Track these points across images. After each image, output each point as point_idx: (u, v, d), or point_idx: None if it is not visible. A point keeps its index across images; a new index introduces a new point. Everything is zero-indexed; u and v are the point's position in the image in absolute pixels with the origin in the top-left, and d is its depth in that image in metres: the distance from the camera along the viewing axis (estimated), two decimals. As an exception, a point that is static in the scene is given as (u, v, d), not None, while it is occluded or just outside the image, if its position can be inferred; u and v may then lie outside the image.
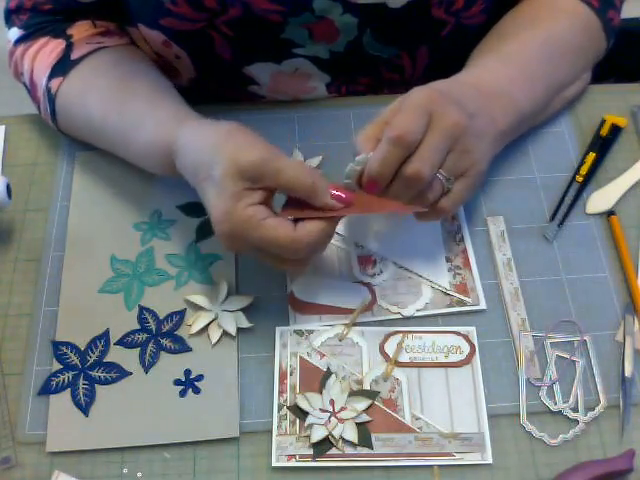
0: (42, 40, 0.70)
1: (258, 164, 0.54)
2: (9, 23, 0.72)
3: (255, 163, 0.54)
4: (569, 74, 0.71)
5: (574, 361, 0.61)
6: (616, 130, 0.72)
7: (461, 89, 0.60)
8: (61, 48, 0.69)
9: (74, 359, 0.61)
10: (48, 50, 0.70)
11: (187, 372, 0.60)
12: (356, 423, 0.57)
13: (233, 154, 0.55)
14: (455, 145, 0.56)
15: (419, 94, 0.57)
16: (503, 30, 0.71)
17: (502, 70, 0.65)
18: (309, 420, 0.57)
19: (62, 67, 0.69)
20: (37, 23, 0.71)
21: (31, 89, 0.72)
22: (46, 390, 0.60)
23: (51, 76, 0.69)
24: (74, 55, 0.69)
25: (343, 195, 0.56)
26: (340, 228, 0.67)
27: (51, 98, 0.69)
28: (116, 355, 0.61)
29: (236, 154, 0.55)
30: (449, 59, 0.71)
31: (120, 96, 0.67)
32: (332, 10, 0.66)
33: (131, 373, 0.61)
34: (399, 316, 0.63)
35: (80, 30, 0.71)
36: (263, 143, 0.56)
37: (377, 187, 0.57)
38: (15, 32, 0.72)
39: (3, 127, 0.76)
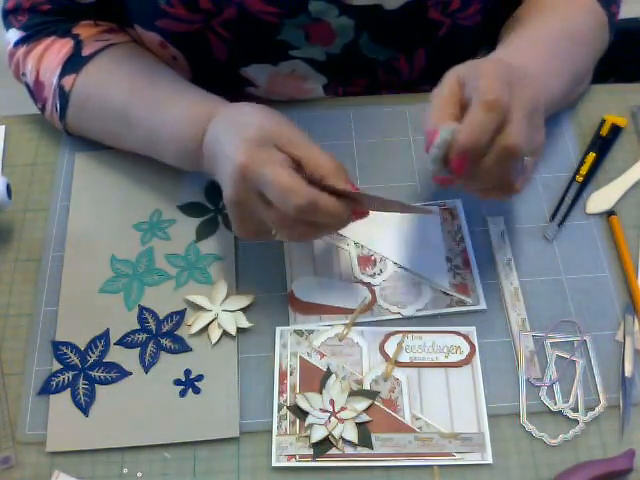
0: (47, 40, 0.70)
1: (295, 132, 0.56)
2: (7, 24, 0.72)
3: (290, 135, 0.56)
4: (585, 65, 0.70)
5: (574, 361, 0.61)
6: (616, 130, 0.72)
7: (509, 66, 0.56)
8: (70, 46, 0.69)
9: (74, 359, 0.61)
10: (55, 49, 0.69)
11: (187, 372, 0.60)
12: (356, 423, 0.57)
13: (272, 122, 0.57)
14: (532, 120, 0.53)
15: (494, 65, 0.53)
16: (526, 16, 0.69)
17: (532, 51, 0.63)
18: (309, 420, 0.57)
19: (74, 64, 0.69)
20: (38, 24, 0.70)
21: (35, 89, 0.72)
22: (46, 390, 0.60)
23: (63, 73, 0.69)
24: (85, 52, 0.69)
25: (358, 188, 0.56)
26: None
27: (64, 95, 0.69)
28: (116, 355, 0.61)
29: (276, 122, 0.57)
30: (446, 60, 0.71)
31: (145, 82, 0.67)
32: (328, 12, 0.66)
33: (131, 373, 0.61)
34: (399, 316, 0.63)
35: (86, 29, 0.71)
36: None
37: (467, 163, 0.51)
38: (14, 33, 0.71)
39: (3, 127, 0.76)
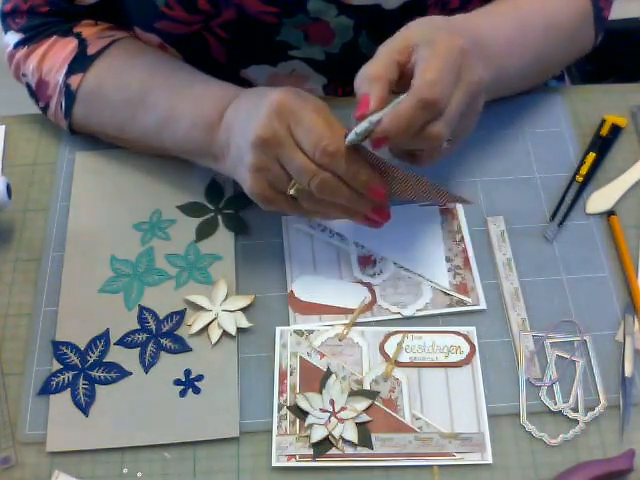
0: (49, 40, 0.70)
1: (320, 102, 0.57)
2: (5, 27, 0.72)
3: (317, 100, 0.57)
4: (557, 55, 0.70)
5: (574, 361, 0.61)
6: (616, 130, 0.72)
7: (462, 32, 0.57)
8: (74, 45, 0.69)
9: (74, 359, 0.61)
10: (58, 49, 0.69)
11: (187, 372, 0.60)
12: (356, 423, 0.57)
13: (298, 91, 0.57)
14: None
15: (449, 42, 0.53)
16: None
17: (499, 25, 0.63)
18: (309, 420, 0.57)
19: (81, 64, 0.69)
20: (37, 25, 0.70)
21: (38, 89, 0.71)
22: (46, 390, 0.60)
23: (69, 72, 0.69)
24: (90, 50, 0.69)
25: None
26: (340, 228, 0.67)
27: (70, 94, 0.69)
28: (116, 355, 0.61)
29: (298, 96, 0.57)
30: None
31: (168, 65, 0.68)
32: (327, 12, 0.66)
33: (131, 373, 0.61)
34: (399, 316, 0.63)
35: (87, 28, 0.71)
36: None
37: (387, 144, 0.53)
38: (13, 36, 0.71)
39: (3, 127, 0.76)
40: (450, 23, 0.58)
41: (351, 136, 0.54)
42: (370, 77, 0.54)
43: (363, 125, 0.53)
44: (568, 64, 0.72)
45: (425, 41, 0.54)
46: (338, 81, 0.76)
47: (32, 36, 0.70)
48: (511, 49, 0.64)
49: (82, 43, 0.69)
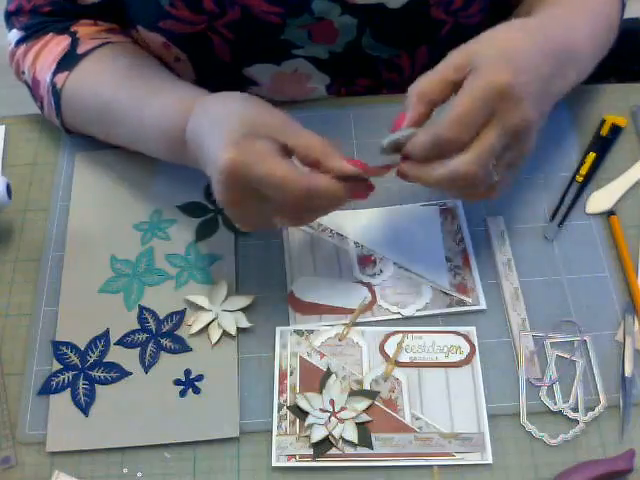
0: (45, 38, 0.70)
1: (282, 119, 0.54)
2: (9, 25, 0.72)
3: (280, 118, 0.54)
4: (605, 43, 0.68)
5: (574, 361, 0.61)
6: (616, 130, 0.72)
7: (545, 55, 0.54)
8: (66, 43, 0.69)
9: (74, 359, 0.61)
10: (52, 46, 0.69)
11: (187, 372, 0.60)
12: (356, 423, 0.57)
13: (257, 106, 0.56)
14: (516, 143, 0.53)
15: (492, 78, 0.51)
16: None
17: (574, 23, 0.61)
18: (309, 420, 0.57)
19: (68, 62, 0.69)
20: (37, 23, 0.71)
21: (33, 87, 0.72)
22: (46, 390, 0.60)
23: (56, 71, 0.69)
24: (80, 50, 0.69)
25: (357, 163, 0.54)
26: (340, 228, 0.67)
27: (56, 92, 0.69)
28: (116, 355, 0.61)
29: (260, 107, 0.55)
30: None
31: (135, 71, 0.67)
32: (331, 11, 0.66)
33: (131, 373, 0.61)
34: (399, 316, 0.63)
35: (84, 27, 0.71)
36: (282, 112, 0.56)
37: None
38: (15, 34, 0.72)
39: (3, 127, 0.76)
40: (529, 35, 0.55)
41: (382, 143, 0.55)
42: (415, 94, 0.54)
43: (392, 137, 0.54)
44: (603, 55, 0.71)
45: (475, 67, 0.52)
46: (341, 80, 0.76)
47: (31, 34, 0.71)
48: (591, 44, 0.62)
49: (74, 42, 0.70)
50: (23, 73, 0.72)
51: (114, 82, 0.67)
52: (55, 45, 0.70)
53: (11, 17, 0.72)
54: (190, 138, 0.59)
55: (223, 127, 0.54)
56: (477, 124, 0.51)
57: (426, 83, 0.54)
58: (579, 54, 0.60)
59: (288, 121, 0.55)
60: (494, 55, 0.52)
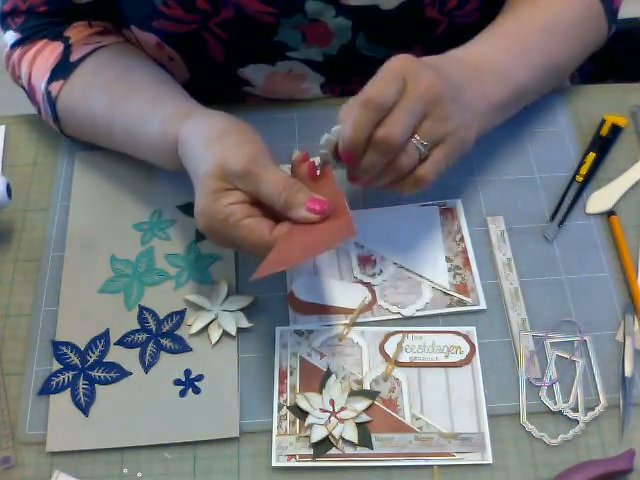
0: (39, 44, 0.70)
1: (240, 171, 0.55)
2: (4, 26, 0.72)
3: (237, 170, 0.55)
4: (568, 55, 0.70)
5: (574, 361, 0.61)
6: (616, 130, 0.72)
7: (449, 63, 0.60)
8: (59, 51, 0.69)
9: (74, 359, 0.61)
10: (46, 53, 0.70)
11: (187, 372, 0.60)
12: (356, 423, 0.57)
13: (220, 156, 0.56)
14: (432, 110, 0.55)
15: (394, 60, 0.56)
16: (504, 9, 0.70)
17: (497, 43, 0.65)
18: (309, 420, 0.57)
19: (62, 70, 0.69)
20: (33, 26, 0.70)
21: (29, 92, 0.72)
22: (46, 390, 0.60)
23: (51, 79, 0.69)
24: (73, 57, 0.69)
25: (317, 208, 0.55)
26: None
27: (51, 101, 0.69)
28: (116, 355, 0.61)
29: (222, 157, 0.56)
30: None
31: (122, 93, 0.67)
32: (325, 12, 0.66)
33: (131, 373, 0.61)
34: (399, 316, 0.63)
35: (77, 31, 0.71)
36: (253, 146, 0.57)
37: (353, 157, 0.56)
38: (11, 35, 0.71)
39: (3, 127, 0.76)
40: (437, 58, 0.60)
41: (320, 151, 0.58)
42: (345, 110, 0.57)
43: (324, 137, 0.57)
44: (583, 59, 0.72)
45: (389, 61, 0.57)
46: (336, 80, 0.76)
47: (26, 37, 0.71)
48: (516, 61, 0.64)
49: (67, 49, 0.70)
50: (20, 78, 0.73)
51: (103, 104, 0.67)
52: (49, 52, 0.70)
53: (7, 18, 0.72)
54: (181, 158, 0.61)
55: (199, 177, 0.57)
56: (397, 91, 0.54)
57: (351, 102, 0.57)
58: (503, 74, 0.63)
59: (256, 168, 0.56)
60: (406, 55, 0.57)
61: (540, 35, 0.67)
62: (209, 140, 0.58)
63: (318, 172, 0.59)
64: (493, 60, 0.63)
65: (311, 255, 0.57)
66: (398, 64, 0.55)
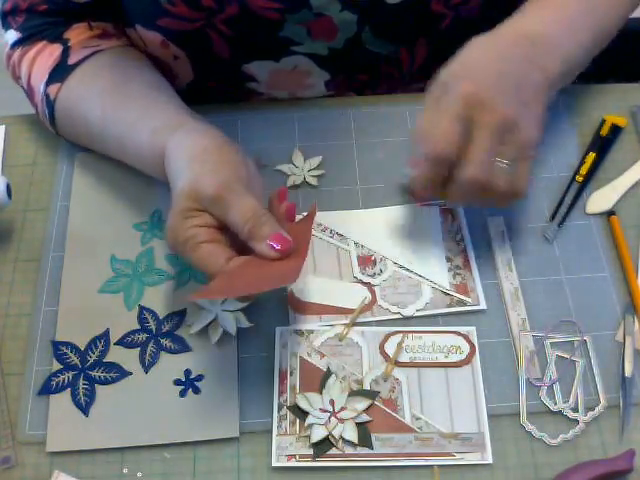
0: (39, 45, 0.70)
1: (211, 195, 0.56)
2: (5, 25, 0.72)
3: (209, 194, 0.56)
4: (614, 23, 0.68)
5: (574, 361, 0.61)
6: (616, 130, 0.72)
7: (507, 47, 0.59)
8: (58, 53, 0.69)
9: (74, 359, 0.61)
10: (46, 55, 0.69)
11: (187, 372, 0.60)
12: (356, 423, 0.57)
13: (195, 176, 0.57)
14: (506, 138, 0.56)
15: (455, 97, 0.56)
16: None
17: (547, 16, 0.63)
18: (309, 420, 0.57)
19: (60, 73, 0.69)
20: (34, 26, 0.70)
21: (29, 93, 0.72)
22: (46, 390, 0.60)
23: (49, 82, 0.69)
24: (71, 60, 0.69)
25: (277, 246, 0.56)
26: (340, 228, 0.67)
27: (50, 103, 0.69)
28: (116, 355, 0.61)
29: (198, 178, 0.57)
30: (447, 51, 0.71)
31: (117, 100, 0.67)
32: (330, 7, 0.66)
33: (131, 373, 0.61)
34: (399, 316, 0.63)
35: (77, 33, 0.71)
36: (231, 171, 0.58)
37: (426, 194, 0.60)
38: (12, 35, 0.71)
39: (3, 127, 0.76)
40: (487, 45, 0.60)
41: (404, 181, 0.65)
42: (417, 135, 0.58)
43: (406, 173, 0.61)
44: (624, 22, 0.70)
45: (445, 90, 0.57)
46: (341, 76, 0.76)
47: (27, 37, 0.70)
48: (576, 30, 0.63)
49: (65, 51, 0.70)
50: (20, 78, 0.73)
51: (97, 111, 0.67)
52: (48, 54, 0.69)
53: (7, 17, 0.72)
54: (165, 169, 0.62)
55: (175, 193, 0.58)
56: (460, 135, 0.55)
57: (428, 99, 0.59)
58: (557, 46, 0.61)
59: (227, 195, 0.56)
60: (455, 72, 0.58)
61: (585, 8, 0.65)
62: (190, 157, 0.59)
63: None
64: (546, 32, 0.61)
65: (253, 291, 0.56)
66: (461, 104, 0.56)
